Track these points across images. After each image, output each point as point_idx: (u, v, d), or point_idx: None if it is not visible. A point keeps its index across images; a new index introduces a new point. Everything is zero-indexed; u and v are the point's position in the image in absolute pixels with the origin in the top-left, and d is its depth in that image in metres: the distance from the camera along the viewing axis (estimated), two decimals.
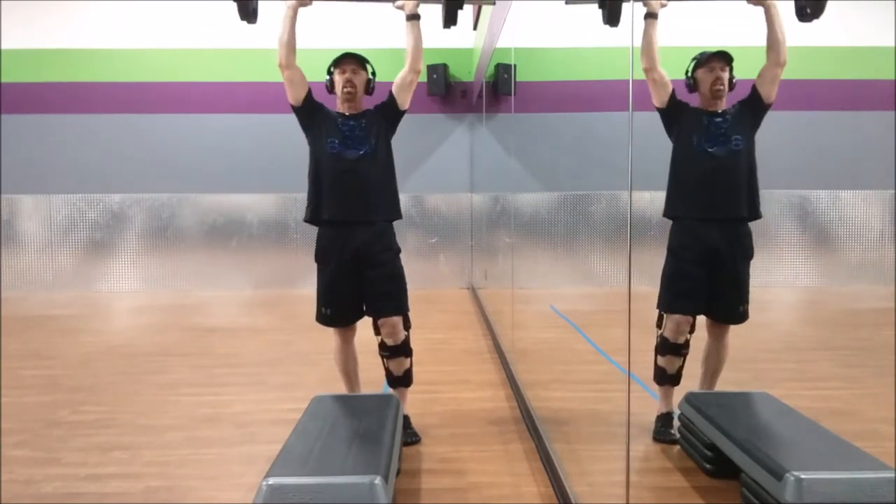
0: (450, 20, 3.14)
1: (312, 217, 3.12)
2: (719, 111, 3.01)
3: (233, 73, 8.33)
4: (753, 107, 2.98)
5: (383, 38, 8.39)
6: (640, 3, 2.90)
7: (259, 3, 3.10)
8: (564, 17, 4.62)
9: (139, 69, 8.37)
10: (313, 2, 3.10)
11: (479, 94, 7.32)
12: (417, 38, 3.11)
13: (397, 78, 3.14)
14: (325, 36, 8.29)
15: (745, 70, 3.07)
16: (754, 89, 2.97)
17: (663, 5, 2.96)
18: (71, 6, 8.34)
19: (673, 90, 3.02)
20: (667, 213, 3.09)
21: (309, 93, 3.11)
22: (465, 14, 8.60)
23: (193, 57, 8.39)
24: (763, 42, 2.92)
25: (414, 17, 3.12)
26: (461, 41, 8.24)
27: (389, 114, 3.15)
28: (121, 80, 8.37)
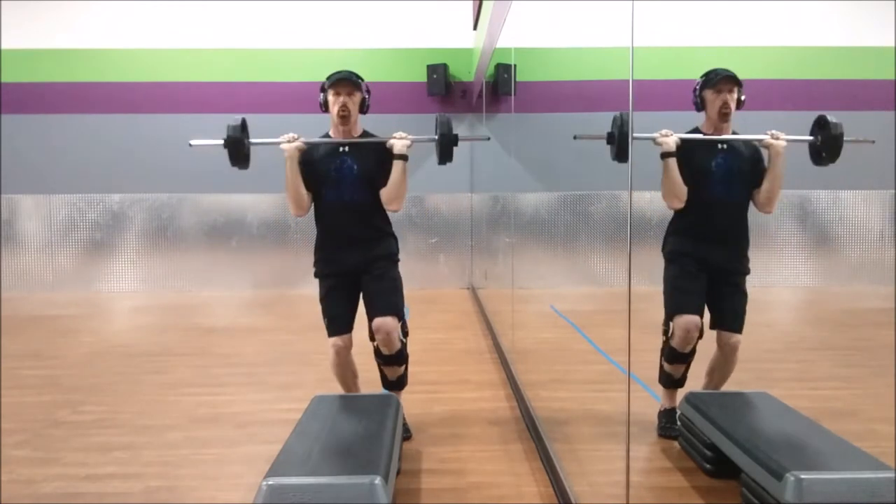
0: (445, 157, 3.09)
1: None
2: (723, 146, 2.97)
3: (233, 73, 8.33)
4: (758, 170, 2.98)
5: (383, 38, 8.41)
6: (642, 2, 2.88)
7: (251, 148, 3.09)
8: (564, 17, 4.62)
9: (139, 69, 8.37)
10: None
11: (479, 94, 7.32)
12: (401, 179, 3.02)
13: (381, 196, 3.08)
14: (324, 36, 8.32)
15: (747, 70, 3.07)
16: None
17: (678, 144, 2.89)
18: (71, 6, 8.34)
19: (678, 146, 2.95)
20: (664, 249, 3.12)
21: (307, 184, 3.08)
22: (466, 14, 8.62)
23: (193, 57, 8.39)
24: (763, 42, 2.91)
25: (401, 157, 3.02)
26: (461, 41, 8.24)
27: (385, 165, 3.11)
28: (121, 80, 8.37)
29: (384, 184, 3.04)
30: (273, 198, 8.34)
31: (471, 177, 8.40)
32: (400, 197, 3.05)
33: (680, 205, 2.96)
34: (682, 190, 2.93)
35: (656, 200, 3.09)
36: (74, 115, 8.36)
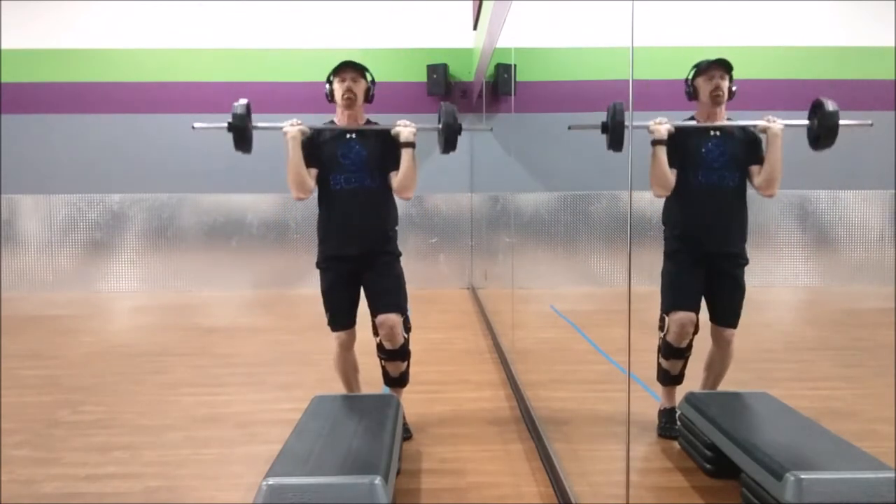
0: (449, 146, 3.07)
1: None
2: (716, 133, 2.97)
3: (233, 73, 8.33)
4: (753, 152, 2.96)
5: (383, 38, 8.41)
6: (642, 2, 2.88)
7: (254, 134, 3.06)
8: (564, 17, 4.62)
9: (139, 69, 8.37)
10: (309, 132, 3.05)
11: (479, 94, 7.31)
12: (410, 167, 3.02)
13: (393, 184, 3.08)
14: (324, 36, 8.32)
15: (746, 71, 3.06)
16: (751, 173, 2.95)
17: (670, 132, 2.90)
18: (71, 6, 8.34)
19: (672, 132, 2.94)
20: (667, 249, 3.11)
21: (313, 164, 3.05)
22: (466, 14, 8.62)
23: (193, 57, 8.39)
24: (762, 42, 2.91)
25: (409, 145, 3.03)
26: (461, 41, 8.24)
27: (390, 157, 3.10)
28: (121, 80, 8.37)
29: (391, 168, 3.06)
30: (273, 198, 8.34)
31: (471, 177, 8.40)
32: (412, 184, 3.06)
33: (664, 193, 2.96)
34: (668, 179, 2.93)
35: (656, 200, 3.09)
36: (74, 115, 8.36)
